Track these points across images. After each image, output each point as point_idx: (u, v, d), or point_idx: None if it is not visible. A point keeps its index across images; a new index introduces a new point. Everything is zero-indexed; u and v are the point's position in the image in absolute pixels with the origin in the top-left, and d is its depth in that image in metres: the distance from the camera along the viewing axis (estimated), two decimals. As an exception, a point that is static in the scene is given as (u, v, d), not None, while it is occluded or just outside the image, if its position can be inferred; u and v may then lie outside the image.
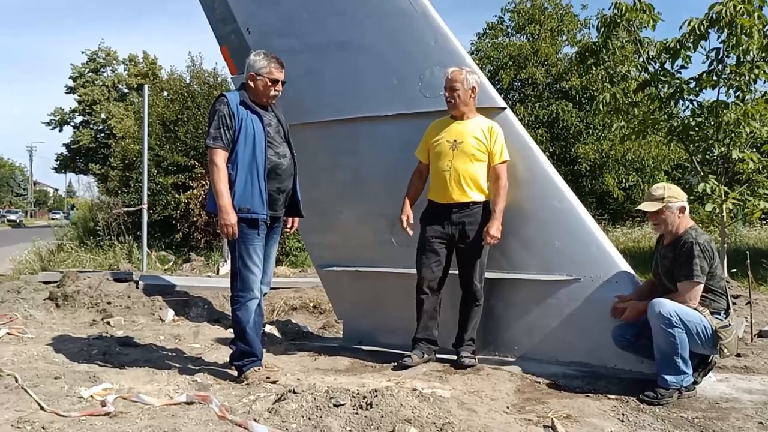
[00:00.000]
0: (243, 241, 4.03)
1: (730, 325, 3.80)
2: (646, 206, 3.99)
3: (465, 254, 4.44)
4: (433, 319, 4.52)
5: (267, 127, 4.11)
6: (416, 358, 4.40)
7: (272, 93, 4.17)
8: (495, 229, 4.32)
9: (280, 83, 4.18)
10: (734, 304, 4.95)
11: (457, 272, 4.52)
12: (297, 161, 4.30)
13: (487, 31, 25.44)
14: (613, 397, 3.78)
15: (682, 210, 3.93)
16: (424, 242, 4.47)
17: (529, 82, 23.27)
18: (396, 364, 4.41)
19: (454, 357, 4.47)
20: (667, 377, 3.73)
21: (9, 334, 5.34)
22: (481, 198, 4.41)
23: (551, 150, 21.49)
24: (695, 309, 3.74)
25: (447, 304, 4.57)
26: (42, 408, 3.34)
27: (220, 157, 4.00)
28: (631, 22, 8.51)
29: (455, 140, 4.39)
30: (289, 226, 4.47)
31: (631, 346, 4.05)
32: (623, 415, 3.49)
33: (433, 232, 4.44)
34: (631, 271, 4.31)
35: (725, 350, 3.76)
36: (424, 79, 4.63)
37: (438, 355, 4.57)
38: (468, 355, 4.42)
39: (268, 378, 4.00)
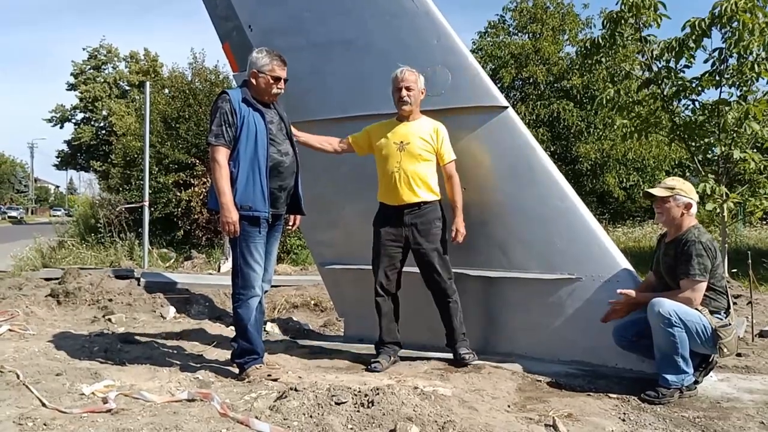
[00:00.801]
0: (244, 238, 4.03)
1: (730, 324, 3.80)
2: (655, 191, 4.03)
3: (422, 254, 4.44)
4: (394, 321, 4.58)
5: (269, 125, 4.11)
6: (384, 362, 4.41)
7: (274, 91, 4.16)
8: (461, 224, 4.40)
9: (282, 81, 4.17)
10: (735, 304, 4.95)
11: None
12: (299, 158, 4.31)
13: (489, 29, 25.44)
14: (614, 396, 3.78)
15: (687, 206, 3.92)
16: (378, 246, 4.51)
17: (530, 81, 23.27)
18: (366, 369, 4.40)
19: (450, 355, 4.47)
20: (668, 377, 3.73)
21: (10, 330, 5.36)
22: (432, 198, 4.44)
23: (552, 149, 21.48)
24: (695, 308, 3.75)
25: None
26: (44, 405, 3.35)
27: (222, 154, 3.99)
28: (637, 19, 8.48)
29: (402, 141, 4.42)
30: (290, 223, 4.48)
31: (632, 346, 4.05)
32: (624, 414, 3.49)
33: (387, 235, 4.48)
34: (633, 269, 4.31)
35: (725, 349, 3.76)
36: (426, 77, 4.62)
37: (437, 354, 4.58)
38: (466, 351, 4.43)
39: (269, 375, 4.01)
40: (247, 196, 4.00)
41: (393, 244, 4.47)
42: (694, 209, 3.97)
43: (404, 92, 4.39)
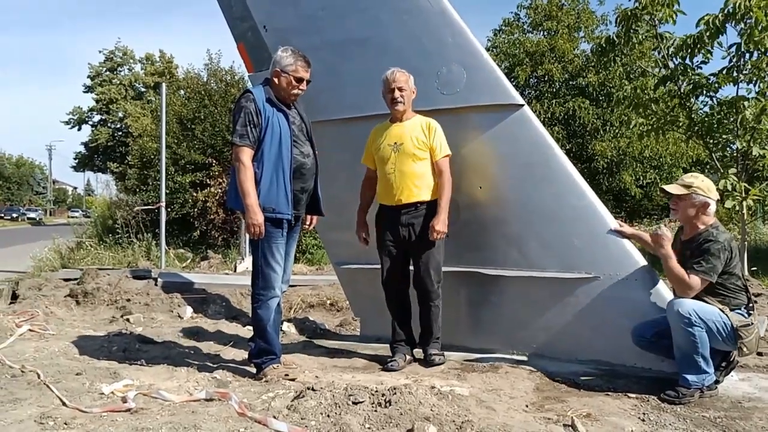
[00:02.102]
0: (267, 239, 4.03)
1: (752, 324, 3.75)
2: (672, 188, 4.00)
3: (417, 255, 4.45)
4: (407, 319, 4.60)
5: (291, 125, 4.10)
6: (401, 361, 4.44)
7: (296, 91, 4.15)
8: (440, 223, 4.32)
9: (304, 82, 4.16)
10: (756, 302, 4.89)
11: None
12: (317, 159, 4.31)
13: (504, 27, 25.30)
14: (633, 396, 3.75)
15: (704, 205, 3.86)
16: (381, 247, 4.54)
17: (546, 78, 23.12)
18: (382, 368, 4.42)
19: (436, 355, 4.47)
20: (689, 376, 3.69)
21: (31, 330, 5.41)
22: (429, 197, 4.42)
23: (568, 147, 21.32)
24: (717, 306, 3.71)
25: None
26: (64, 404, 3.38)
27: (247, 155, 3.97)
28: (652, 16, 8.41)
29: (395, 143, 4.43)
30: (308, 223, 4.48)
31: (652, 346, 4.01)
32: (644, 414, 3.45)
33: (387, 236, 4.50)
34: (651, 267, 4.27)
35: (745, 349, 3.73)
36: (441, 76, 4.61)
37: (448, 352, 4.58)
38: (436, 352, 4.47)
39: (286, 375, 4.02)
40: (270, 197, 4.00)
41: (391, 244, 4.49)
42: (711, 208, 3.89)
43: (396, 93, 4.40)
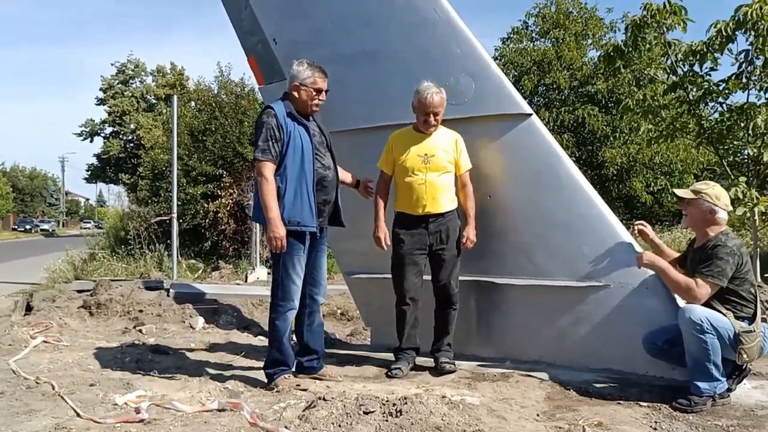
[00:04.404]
0: (288, 252, 4.04)
1: (754, 331, 3.72)
2: (681, 191, 4.07)
3: (442, 261, 4.50)
4: (415, 328, 4.64)
5: (312, 138, 4.13)
6: (405, 368, 4.49)
7: (316, 102, 4.18)
8: (473, 233, 4.49)
9: (324, 92, 4.19)
10: (767, 309, 4.86)
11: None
12: None
13: (512, 36, 25.34)
14: (645, 404, 3.73)
15: (710, 212, 3.87)
16: (403, 255, 4.53)
17: (554, 86, 23.11)
18: (387, 373, 4.48)
19: (445, 362, 4.49)
20: (700, 384, 3.68)
21: (45, 342, 5.46)
22: (453, 206, 4.53)
23: (577, 155, 21.28)
24: (722, 312, 3.70)
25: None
26: (78, 415, 3.41)
27: (269, 169, 4.00)
28: (660, 24, 8.40)
29: (426, 154, 4.46)
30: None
31: (663, 354, 4.00)
32: (656, 422, 3.44)
33: (412, 244, 4.51)
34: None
35: (744, 355, 3.69)
36: (449, 86, 4.64)
37: (458, 361, 4.58)
38: (448, 360, 4.49)
39: (298, 386, 4.04)
40: (295, 211, 4.03)
41: (418, 252, 4.51)
42: (719, 216, 3.88)
43: (431, 118, 4.43)
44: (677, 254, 4.33)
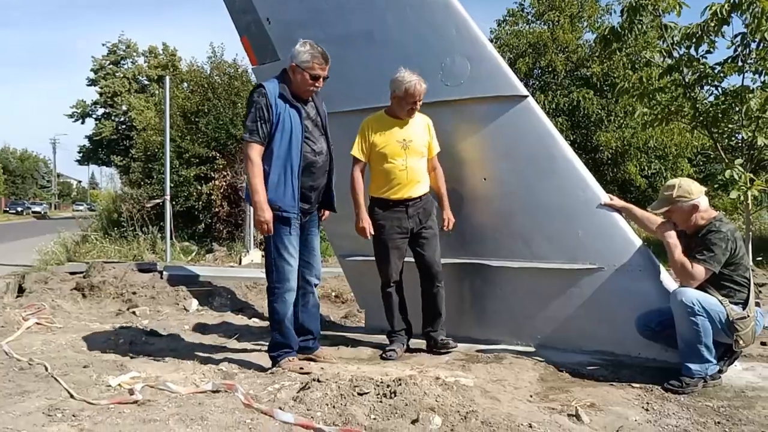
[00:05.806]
0: (277, 234, 4.01)
1: (747, 316, 3.74)
2: (657, 210, 4.01)
3: (425, 240, 4.55)
4: (404, 309, 4.68)
5: (304, 121, 4.05)
6: (399, 350, 4.53)
7: (310, 88, 4.08)
8: (450, 213, 4.61)
9: (321, 80, 4.07)
10: (760, 292, 4.89)
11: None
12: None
13: (508, 18, 25.18)
14: (637, 385, 3.76)
15: (694, 208, 3.84)
16: (385, 240, 4.53)
17: (549, 69, 23.02)
18: (381, 356, 4.51)
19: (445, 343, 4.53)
20: (692, 366, 3.71)
21: (38, 324, 5.45)
22: (427, 189, 4.59)
23: (572, 138, 21.24)
24: (717, 297, 3.71)
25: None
26: (72, 396, 3.41)
27: (256, 151, 3.94)
28: (656, 7, 8.37)
29: (405, 140, 4.46)
30: (320, 214, 4.45)
31: (656, 336, 4.02)
32: (648, 403, 3.47)
33: (393, 229, 4.52)
34: (655, 259, 4.27)
35: (740, 341, 3.73)
36: (445, 68, 4.61)
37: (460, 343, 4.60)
38: (445, 337, 4.55)
39: (301, 369, 3.98)
40: (278, 195, 3.98)
41: (399, 236, 4.52)
42: (703, 205, 3.87)
43: (414, 106, 4.44)
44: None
